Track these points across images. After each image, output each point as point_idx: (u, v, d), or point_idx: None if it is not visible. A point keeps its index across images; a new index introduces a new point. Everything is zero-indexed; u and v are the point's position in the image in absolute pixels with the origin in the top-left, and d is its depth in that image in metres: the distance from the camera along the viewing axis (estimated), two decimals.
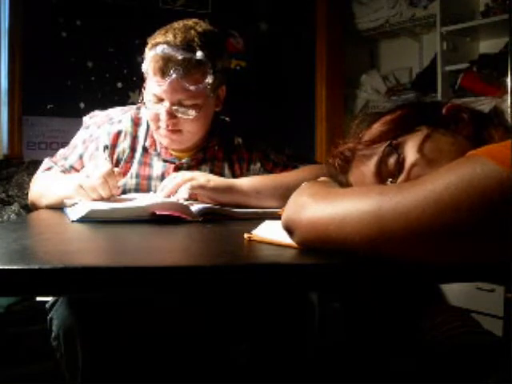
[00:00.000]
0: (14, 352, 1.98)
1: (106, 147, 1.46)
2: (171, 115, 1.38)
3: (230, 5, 3.28)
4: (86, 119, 1.55)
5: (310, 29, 3.53)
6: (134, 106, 1.55)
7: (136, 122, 1.50)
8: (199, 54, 1.35)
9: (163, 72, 1.34)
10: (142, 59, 1.42)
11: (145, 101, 1.43)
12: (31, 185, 1.50)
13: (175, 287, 0.64)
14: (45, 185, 1.43)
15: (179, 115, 1.38)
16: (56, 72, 2.88)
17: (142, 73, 1.45)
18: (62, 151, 1.53)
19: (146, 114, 1.48)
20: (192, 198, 1.32)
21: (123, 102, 2.89)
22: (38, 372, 1.91)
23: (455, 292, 2.66)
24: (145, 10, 3.06)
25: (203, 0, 3.23)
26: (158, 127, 1.41)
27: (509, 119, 0.88)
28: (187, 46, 1.35)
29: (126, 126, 1.49)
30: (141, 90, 1.47)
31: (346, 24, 3.62)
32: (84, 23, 2.95)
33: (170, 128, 1.40)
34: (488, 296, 2.55)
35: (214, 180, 1.33)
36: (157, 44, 1.36)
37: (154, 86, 1.37)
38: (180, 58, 1.33)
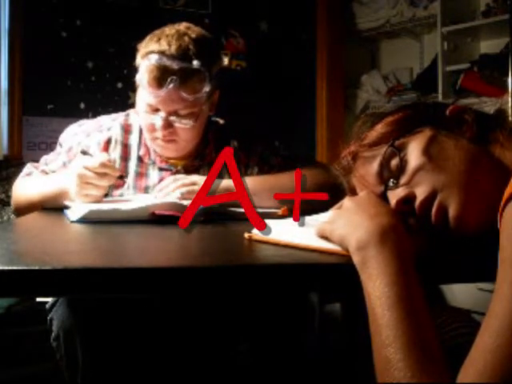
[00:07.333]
0: (14, 353, 1.97)
1: (83, 152, 1.39)
2: (167, 125, 1.34)
3: (229, 5, 3.28)
4: (73, 127, 1.50)
5: (310, 29, 3.53)
6: (123, 113, 1.52)
7: (126, 130, 1.47)
8: (195, 63, 1.30)
9: (159, 83, 1.29)
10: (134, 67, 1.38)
11: (138, 110, 1.39)
12: (13, 191, 1.44)
13: (175, 288, 0.64)
14: (29, 187, 1.39)
15: (176, 125, 1.35)
16: (56, 72, 2.88)
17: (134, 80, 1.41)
18: (44, 157, 1.50)
19: (139, 121, 1.44)
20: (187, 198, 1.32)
21: (123, 102, 2.89)
22: (38, 372, 1.91)
23: (455, 292, 2.66)
24: (145, 10, 3.05)
25: (203, 0, 3.23)
26: (153, 137, 1.38)
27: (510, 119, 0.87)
28: (183, 55, 1.30)
29: (116, 133, 1.45)
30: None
31: (346, 24, 3.62)
32: (84, 23, 2.94)
33: (166, 138, 1.36)
34: (488, 296, 2.51)
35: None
36: (150, 53, 1.32)
37: (149, 96, 1.33)
38: (176, 67, 1.29)
